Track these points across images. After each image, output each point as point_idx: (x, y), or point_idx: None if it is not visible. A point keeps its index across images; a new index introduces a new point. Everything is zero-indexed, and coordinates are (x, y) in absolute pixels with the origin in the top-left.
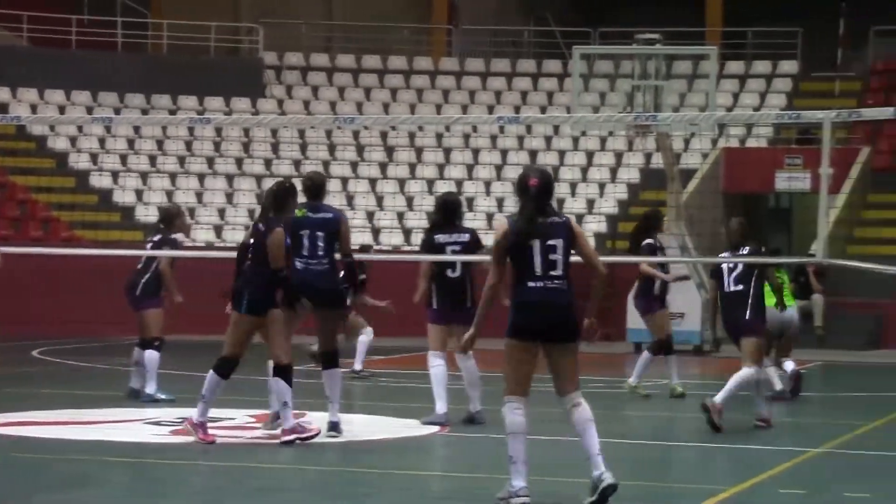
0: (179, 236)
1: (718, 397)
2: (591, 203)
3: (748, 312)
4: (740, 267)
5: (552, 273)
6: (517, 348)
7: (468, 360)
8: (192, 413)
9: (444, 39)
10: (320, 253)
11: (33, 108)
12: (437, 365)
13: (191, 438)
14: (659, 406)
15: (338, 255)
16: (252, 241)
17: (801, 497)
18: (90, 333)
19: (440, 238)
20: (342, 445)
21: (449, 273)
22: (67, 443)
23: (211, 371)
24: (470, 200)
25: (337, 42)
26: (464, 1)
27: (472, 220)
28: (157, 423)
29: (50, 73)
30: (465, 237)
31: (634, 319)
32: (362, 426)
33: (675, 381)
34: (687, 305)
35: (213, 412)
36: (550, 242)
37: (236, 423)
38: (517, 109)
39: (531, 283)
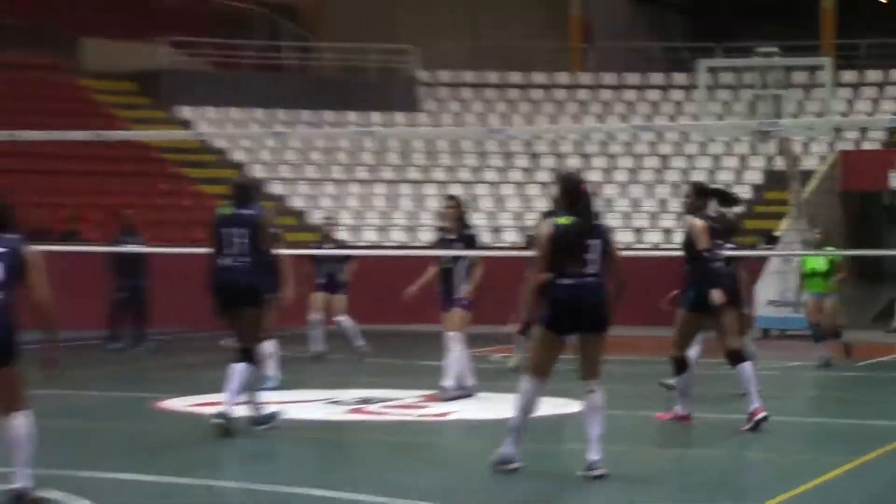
0: None
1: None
2: None
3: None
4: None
5: (589, 271)
6: (547, 336)
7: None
8: (677, 408)
9: (580, 56)
10: (236, 251)
11: (215, 125)
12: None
13: (363, 417)
14: (778, 386)
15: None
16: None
17: None
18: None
19: None
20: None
21: None
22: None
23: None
24: (609, 201)
25: (484, 60)
26: (598, 20)
27: (610, 220)
28: (335, 403)
29: (229, 93)
30: None
31: (762, 307)
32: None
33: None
34: None
35: (387, 393)
36: (592, 242)
37: (406, 402)
38: (649, 118)
39: (566, 281)
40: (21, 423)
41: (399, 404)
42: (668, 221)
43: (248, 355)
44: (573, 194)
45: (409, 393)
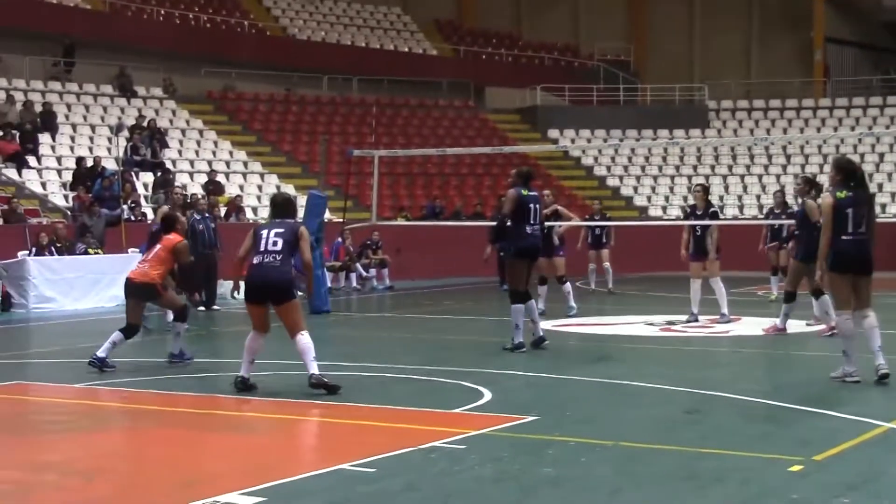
0: None
1: None
2: None
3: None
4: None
5: (860, 230)
6: (839, 277)
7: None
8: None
9: (821, 88)
10: (537, 223)
11: (572, 141)
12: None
13: (671, 333)
14: None
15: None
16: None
17: None
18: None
19: None
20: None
21: None
22: (593, 336)
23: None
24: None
25: (753, 91)
26: (833, 60)
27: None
28: (650, 325)
29: (581, 120)
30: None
31: None
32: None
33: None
34: None
35: (681, 317)
36: (859, 210)
37: (699, 324)
38: (870, 127)
39: (845, 237)
40: (305, 339)
41: (694, 325)
42: (884, 198)
43: (525, 296)
44: (849, 174)
45: (703, 317)
